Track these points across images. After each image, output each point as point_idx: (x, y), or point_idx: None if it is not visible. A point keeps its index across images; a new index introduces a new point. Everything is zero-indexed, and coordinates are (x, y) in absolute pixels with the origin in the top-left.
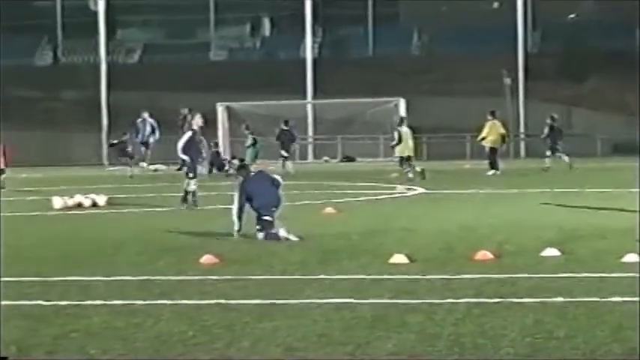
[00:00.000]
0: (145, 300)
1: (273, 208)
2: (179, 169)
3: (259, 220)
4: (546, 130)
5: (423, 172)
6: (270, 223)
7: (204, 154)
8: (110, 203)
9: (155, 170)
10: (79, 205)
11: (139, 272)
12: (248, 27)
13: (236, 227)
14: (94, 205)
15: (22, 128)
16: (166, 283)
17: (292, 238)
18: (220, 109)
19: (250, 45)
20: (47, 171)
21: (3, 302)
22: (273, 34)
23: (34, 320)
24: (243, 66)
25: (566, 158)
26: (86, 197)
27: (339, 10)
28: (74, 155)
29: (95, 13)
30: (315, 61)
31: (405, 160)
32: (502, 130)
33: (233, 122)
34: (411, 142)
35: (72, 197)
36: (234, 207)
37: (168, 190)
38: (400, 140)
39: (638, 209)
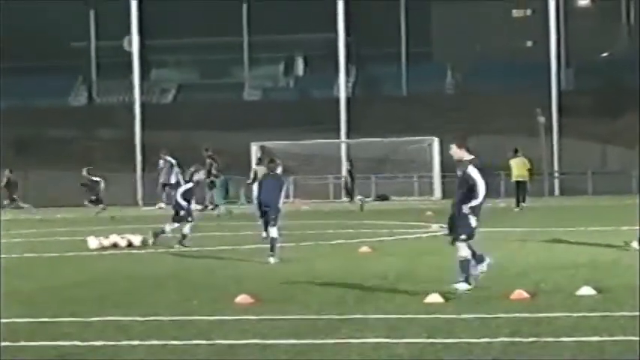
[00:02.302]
0: (181, 340)
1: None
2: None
3: None
4: None
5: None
6: None
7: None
8: (145, 243)
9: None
10: (115, 246)
11: (175, 312)
12: (282, 66)
13: None
14: (130, 245)
15: (58, 168)
16: (203, 323)
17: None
18: (254, 149)
19: (284, 84)
20: (82, 211)
21: (42, 343)
22: (307, 74)
23: None
24: (277, 105)
25: None
26: (122, 237)
27: (373, 49)
28: (109, 195)
29: (129, 54)
30: (348, 100)
31: None
32: (528, 166)
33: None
34: None
35: (107, 237)
36: None
37: (202, 230)
38: None
39: None
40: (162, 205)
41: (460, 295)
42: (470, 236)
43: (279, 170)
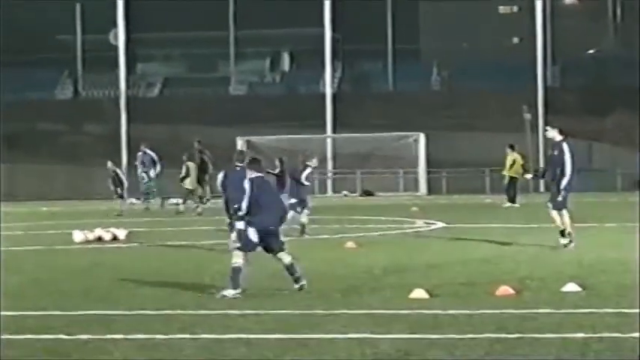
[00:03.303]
0: (166, 334)
1: None
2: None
3: None
4: None
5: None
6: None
7: None
8: (130, 237)
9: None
10: (100, 239)
11: (160, 306)
12: (268, 61)
13: None
14: (115, 238)
15: (43, 162)
16: (187, 318)
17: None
18: (240, 143)
19: (270, 79)
20: (68, 204)
21: (27, 336)
22: (293, 69)
23: (56, 354)
24: (263, 100)
25: None
26: (106, 231)
27: (359, 46)
28: (95, 189)
29: (115, 47)
30: (334, 96)
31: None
32: (521, 162)
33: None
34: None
35: (92, 231)
36: None
37: (188, 224)
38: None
39: None
40: (134, 200)
41: (445, 291)
42: None
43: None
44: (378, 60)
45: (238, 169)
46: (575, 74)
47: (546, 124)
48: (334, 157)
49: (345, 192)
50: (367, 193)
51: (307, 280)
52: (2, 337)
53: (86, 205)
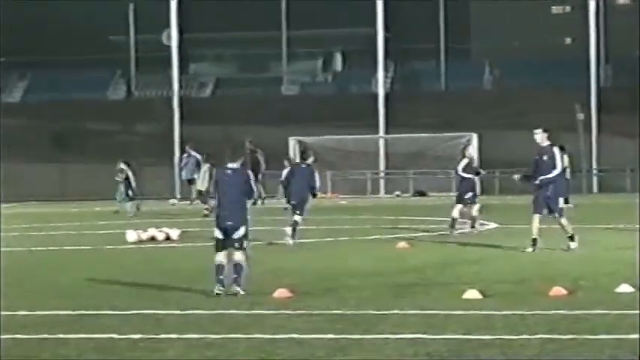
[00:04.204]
0: (219, 334)
1: None
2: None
3: None
4: None
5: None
6: None
7: None
8: (183, 237)
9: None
10: (153, 239)
11: (213, 306)
12: (320, 61)
13: None
14: (168, 238)
15: (96, 161)
16: (240, 317)
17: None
18: (292, 143)
19: (322, 79)
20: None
21: (80, 335)
22: (345, 69)
23: (108, 353)
24: (315, 100)
25: None
26: (160, 231)
27: (411, 45)
28: (147, 189)
29: (168, 48)
30: (386, 96)
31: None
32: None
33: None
34: None
35: (145, 231)
36: None
37: None
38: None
39: None
40: (175, 201)
41: (498, 291)
42: None
43: (309, 161)
44: (430, 59)
45: (304, 166)
46: (627, 74)
47: (599, 123)
48: (386, 157)
49: (397, 192)
50: (420, 194)
51: (358, 279)
52: (56, 336)
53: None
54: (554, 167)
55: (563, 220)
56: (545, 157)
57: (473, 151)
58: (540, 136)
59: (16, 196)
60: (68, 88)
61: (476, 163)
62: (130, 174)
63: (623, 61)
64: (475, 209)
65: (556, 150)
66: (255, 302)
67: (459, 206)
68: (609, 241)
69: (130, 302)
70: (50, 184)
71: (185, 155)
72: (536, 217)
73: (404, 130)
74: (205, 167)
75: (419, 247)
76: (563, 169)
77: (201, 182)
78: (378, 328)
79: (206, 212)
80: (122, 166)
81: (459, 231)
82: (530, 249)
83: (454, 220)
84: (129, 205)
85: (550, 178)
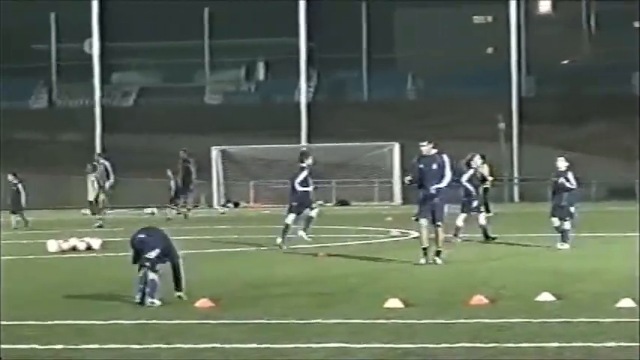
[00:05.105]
0: (141, 344)
1: None
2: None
3: None
4: None
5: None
6: None
7: None
8: (105, 247)
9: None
10: (74, 249)
11: (135, 316)
12: (243, 71)
13: None
14: (89, 248)
15: (18, 170)
16: (163, 327)
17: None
18: (215, 153)
19: (245, 89)
20: (43, 214)
21: (3, 346)
22: (269, 78)
23: None
24: (238, 109)
25: None
26: (81, 241)
27: (334, 55)
28: (71, 198)
29: (90, 57)
30: (309, 105)
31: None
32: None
33: (228, 165)
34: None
35: (67, 240)
36: None
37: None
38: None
39: (638, 254)
40: (87, 211)
41: (421, 300)
42: None
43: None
44: (354, 69)
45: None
46: (550, 84)
47: (521, 133)
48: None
49: (320, 202)
50: (342, 203)
51: (282, 289)
52: None
53: (62, 214)
54: (443, 176)
55: (441, 232)
56: (434, 166)
57: (479, 161)
58: (426, 149)
59: None
60: None
61: (486, 172)
62: (20, 186)
63: (545, 70)
64: (481, 218)
65: (446, 158)
66: (178, 312)
67: (464, 215)
68: (530, 250)
69: (53, 312)
70: None
71: (91, 165)
72: (424, 222)
73: (327, 139)
74: (92, 177)
75: (342, 257)
76: (483, 179)
77: (90, 192)
78: (303, 338)
79: (100, 223)
80: (10, 177)
81: (463, 238)
82: (422, 260)
83: (458, 228)
84: (13, 218)
85: (442, 187)
